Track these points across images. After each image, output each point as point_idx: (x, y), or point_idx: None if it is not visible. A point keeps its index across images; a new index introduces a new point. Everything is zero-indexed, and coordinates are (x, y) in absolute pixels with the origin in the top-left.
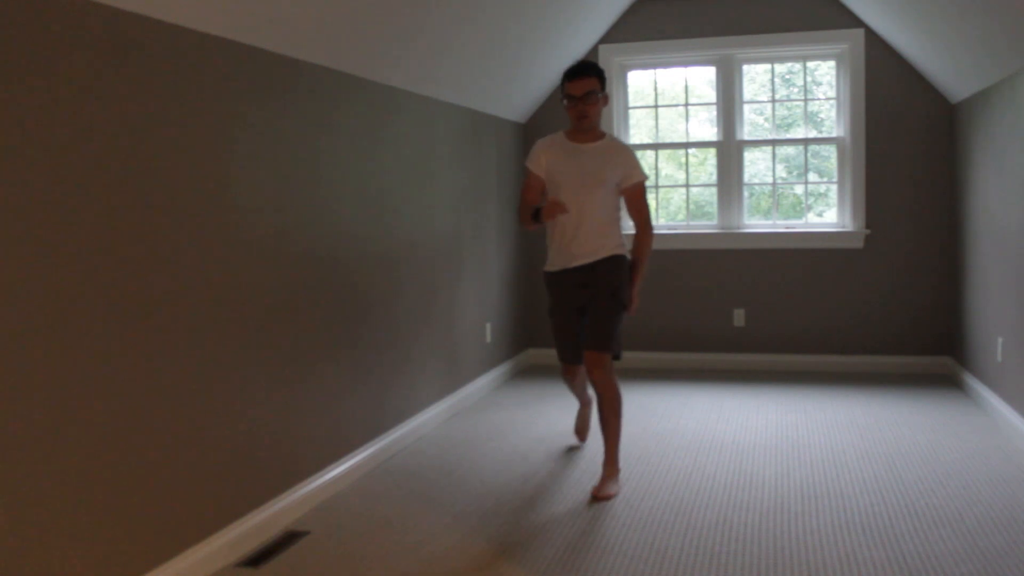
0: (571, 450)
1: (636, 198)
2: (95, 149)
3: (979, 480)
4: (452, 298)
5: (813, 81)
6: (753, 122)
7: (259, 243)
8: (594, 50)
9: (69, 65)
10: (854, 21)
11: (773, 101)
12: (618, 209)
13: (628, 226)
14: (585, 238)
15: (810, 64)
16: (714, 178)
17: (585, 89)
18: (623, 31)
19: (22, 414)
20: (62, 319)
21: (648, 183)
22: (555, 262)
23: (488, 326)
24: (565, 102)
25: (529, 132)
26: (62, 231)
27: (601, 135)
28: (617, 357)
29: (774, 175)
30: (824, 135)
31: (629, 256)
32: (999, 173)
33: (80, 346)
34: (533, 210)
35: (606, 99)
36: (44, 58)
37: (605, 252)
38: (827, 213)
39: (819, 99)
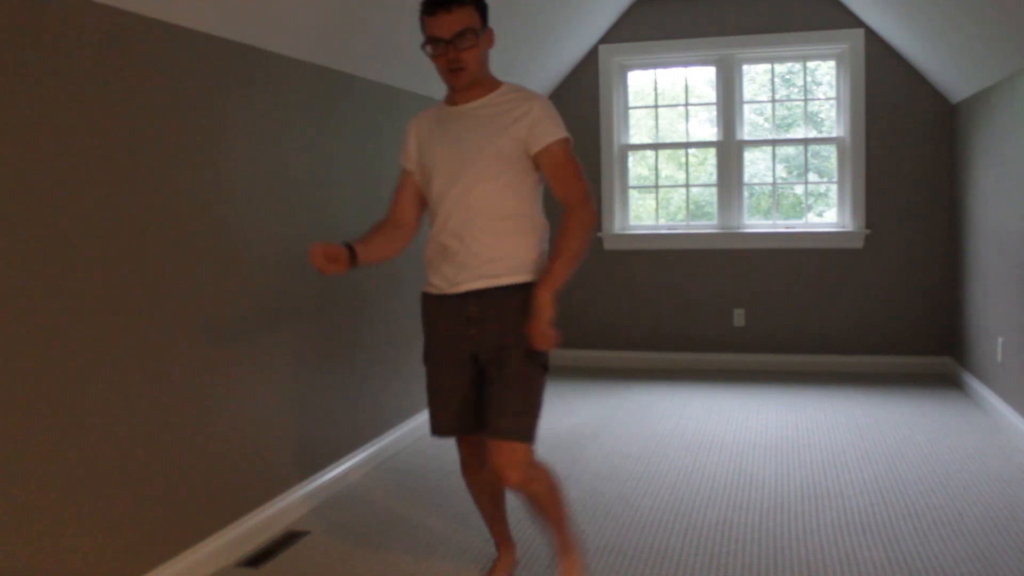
0: None
1: (556, 166)
2: (93, 147)
3: (979, 480)
4: None
5: (813, 81)
6: (753, 122)
7: (258, 243)
8: (594, 50)
9: (66, 64)
10: (854, 21)
11: (773, 101)
12: (534, 199)
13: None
14: (475, 248)
15: (810, 64)
16: (714, 178)
17: (456, 27)
18: (623, 31)
19: (23, 414)
20: (61, 319)
21: (648, 182)
22: (433, 280)
23: None
24: (428, 49)
25: None
26: (62, 230)
27: (494, 85)
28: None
29: (774, 175)
30: (824, 135)
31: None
32: (999, 173)
33: (80, 346)
34: (346, 246)
35: (491, 38)
36: (42, 57)
37: (513, 274)
38: (827, 213)
39: (819, 99)
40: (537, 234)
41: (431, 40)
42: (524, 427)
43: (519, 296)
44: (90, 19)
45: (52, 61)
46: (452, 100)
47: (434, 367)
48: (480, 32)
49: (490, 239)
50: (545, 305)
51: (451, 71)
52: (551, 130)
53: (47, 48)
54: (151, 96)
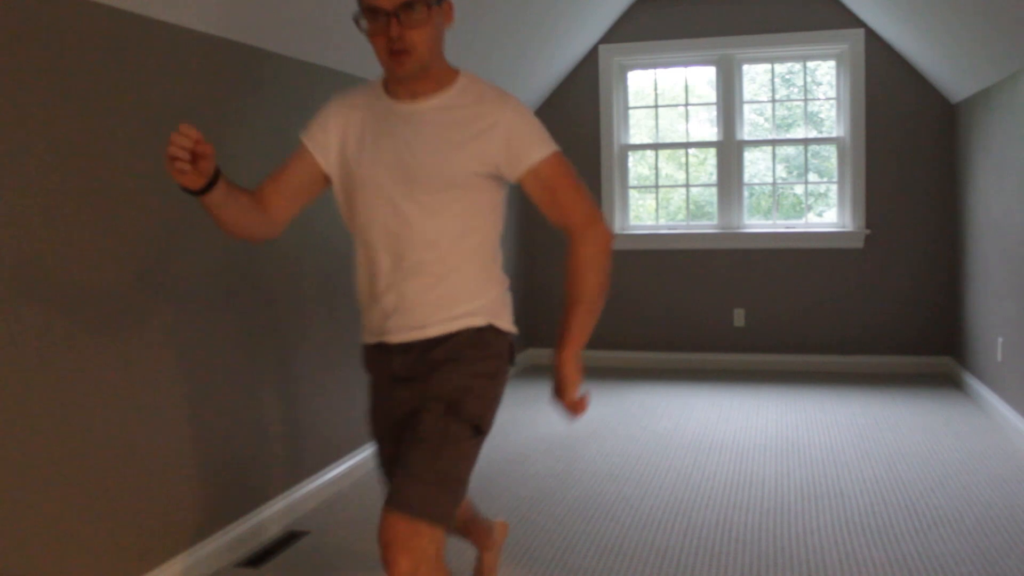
0: None
1: (548, 189)
2: (92, 146)
3: (979, 480)
4: None
5: (813, 81)
6: (753, 122)
7: (255, 243)
8: (594, 50)
9: (66, 64)
10: (854, 21)
11: (773, 101)
12: (493, 228)
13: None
14: (412, 290)
15: (810, 64)
16: (714, 178)
17: None
18: (623, 31)
19: (21, 414)
20: (61, 318)
21: (648, 182)
22: (367, 327)
23: None
24: (364, 24)
25: None
26: (61, 229)
27: (449, 78)
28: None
29: (774, 175)
30: (824, 135)
31: (506, 328)
32: (999, 173)
33: (80, 346)
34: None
35: (449, 13)
36: (42, 57)
37: (455, 322)
38: (827, 213)
39: (819, 99)
40: (492, 271)
41: (367, 10)
42: (429, 501)
43: (463, 343)
44: (90, 19)
45: (52, 61)
46: (396, 92)
47: (378, 433)
48: (433, 4)
49: (430, 281)
50: (573, 374)
51: (392, 53)
52: (535, 146)
53: (47, 48)
54: (151, 96)
